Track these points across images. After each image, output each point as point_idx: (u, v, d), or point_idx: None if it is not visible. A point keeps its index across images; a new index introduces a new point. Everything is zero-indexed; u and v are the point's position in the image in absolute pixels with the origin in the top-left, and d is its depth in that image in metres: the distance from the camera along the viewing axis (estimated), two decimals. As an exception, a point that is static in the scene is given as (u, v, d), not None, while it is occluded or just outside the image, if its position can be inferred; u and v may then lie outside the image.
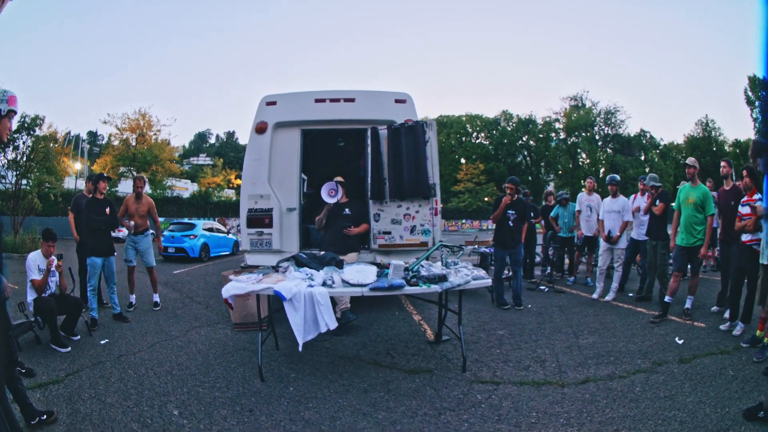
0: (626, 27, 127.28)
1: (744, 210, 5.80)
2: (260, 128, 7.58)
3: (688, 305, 6.88)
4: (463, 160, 66.44)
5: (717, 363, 4.92)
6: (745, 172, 5.89)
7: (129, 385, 4.40)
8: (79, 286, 7.23)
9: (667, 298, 6.83)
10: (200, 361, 5.16)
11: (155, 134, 41.30)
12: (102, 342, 5.83)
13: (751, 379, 4.44)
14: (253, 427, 3.63)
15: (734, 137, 59.25)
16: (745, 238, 5.69)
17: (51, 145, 31.88)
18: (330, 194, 6.72)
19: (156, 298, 8.14)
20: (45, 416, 3.53)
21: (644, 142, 65.23)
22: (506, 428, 3.68)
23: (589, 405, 4.05)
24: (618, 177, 9.03)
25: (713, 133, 62.27)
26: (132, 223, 7.79)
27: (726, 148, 58.70)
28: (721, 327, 6.14)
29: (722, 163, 6.98)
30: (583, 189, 10.03)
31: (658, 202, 7.50)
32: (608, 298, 8.30)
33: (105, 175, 7.23)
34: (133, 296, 7.94)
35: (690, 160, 7.04)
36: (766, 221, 4.89)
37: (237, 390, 4.35)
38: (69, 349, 5.43)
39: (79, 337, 5.91)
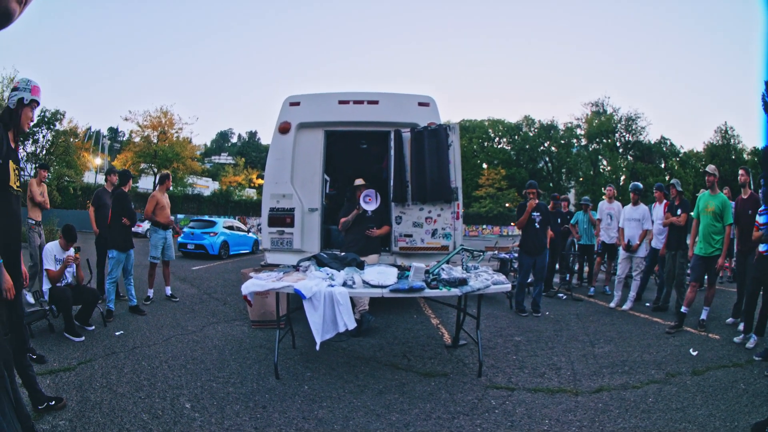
0: (647, 33, 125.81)
1: (761, 219, 5.73)
2: (284, 128, 7.66)
3: (703, 316, 6.81)
4: (484, 165, 66.06)
5: (729, 376, 4.88)
6: (763, 181, 5.82)
7: (142, 376, 4.42)
8: (96, 277, 7.38)
9: (683, 309, 6.75)
10: (215, 357, 5.17)
11: (177, 132, 42.01)
12: (117, 333, 5.87)
13: (761, 393, 4.40)
14: (265, 423, 3.61)
15: (753, 145, 57.91)
16: (763, 248, 5.58)
17: (71, 139, 32.54)
18: (367, 201, 6.70)
19: (169, 291, 8.31)
20: (54, 402, 3.55)
21: (664, 149, 64.04)
22: None
23: (602, 414, 4.05)
24: (641, 185, 8.96)
25: (732, 140, 60.93)
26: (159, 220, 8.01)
27: (744, 156, 57.36)
28: (735, 339, 6.07)
29: (740, 172, 6.87)
30: (603, 197, 9.90)
31: (680, 212, 7.44)
32: (625, 307, 8.25)
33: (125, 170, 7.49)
34: (151, 290, 8.03)
35: (710, 168, 6.90)
36: None
37: (251, 386, 4.35)
38: (83, 338, 5.48)
39: (93, 327, 5.97)
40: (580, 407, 4.20)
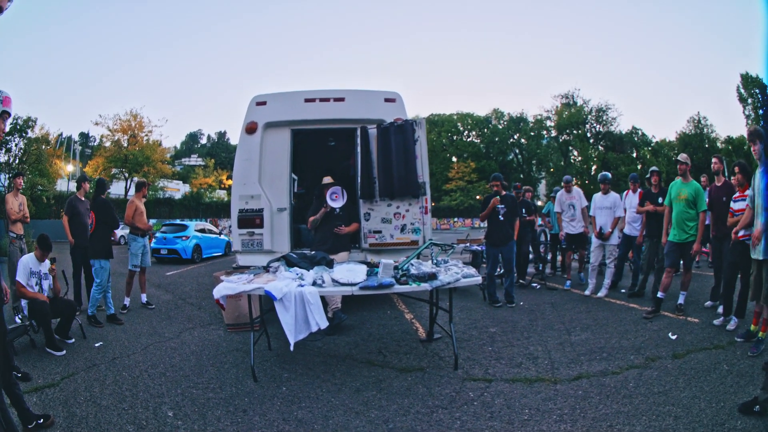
0: (617, 25, 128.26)
1: (736, 206, 5.81)
2: (250, 128, 7.65)
3: (681, 301, 6.91)
4: (454, 159, 66.60)
5: (711, 358, 4.93)
6: (737, 169, 5.93)
7: (124, 387, 4.42)
8: (72, 288, 7.26)
9: (659, 294, 6.85)
10: (194, 363, 5.19)
11: (147, 135, 42.14)
12: (96, 345, 5.82)
13: (746, 373, 4.45)
14: (246, 428, 3.64)
15: (727, 134, 59.75)
16: (739, 233, 5.67)
17: (43, 147, 31.99)
18: (333, 198, 6.78)
19: (144, 298, 8.27)
20: (42, 420, 3.53)
21: (636, 139, 65.43)
22: (499, 426, 3.67)
23: (582, 401, 4.05)
24: (609, 175, 9.00)
25: (705, 130, 62.67)
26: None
27: (718, 144, 59.10)
28: (715, 322, 6.14)
29: (713, 160, 7.06)
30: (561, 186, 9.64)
31: (661, 200, 7.53)
32: (600, 294, 8.33)
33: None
34: (128, 299, 8.01)
35: (681, 156, 7.06)
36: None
37: (230, 391, 4.38)
38: (64, 352, 5.41)
39: (73, 340, 5.90)
40: (559, 395, 4.20)
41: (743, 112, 51.35)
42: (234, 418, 3.79)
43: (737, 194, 5.91)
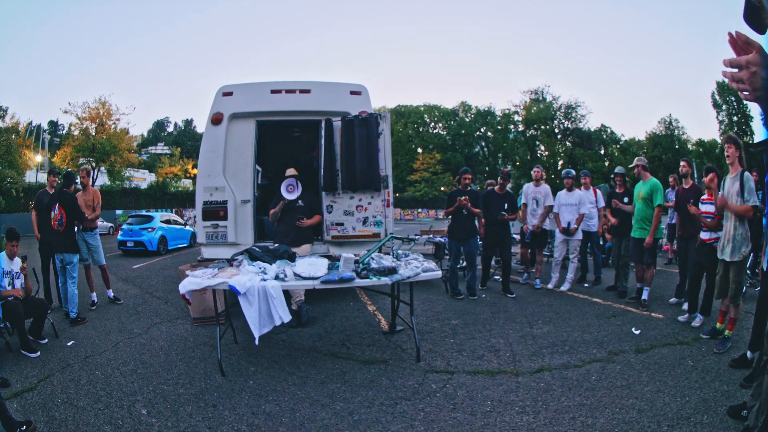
0: (591, 24, 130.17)
1: (704, 208, 5.98)
2: (216, 119, 7.69)
3: (645, 296, 7.12)
4: (419, 150, 66.91)
5: (675, 353, 5.06)
6: (705, 172, 6.10)
7: (98, 387, 4.45)
8: (42, 286, 7.12)
9: (638, 285, 7.37)
10: (163, 359, 5.25)
11: (114, 123, 41.20)
12: (69, 344, 5.80)
13: (711, 369, 4.56)
14: (217, 423, 3.72)
15: (698, 137, 62.03)
16: (705, 236, 5.89)
17: (12, 137, 30.86)
18: (289, 190, 6.81)
19: (110, 293, 8.11)
20: (24, 427, 3.53)
21: (605, 137, 67.07)
22: (461, 417, 3.71)
23: (545, 394, 4.11)
24: (573, 171, 9.16)
25: (677, 131, 64.85)
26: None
27: (689, 146, 61.23)
28: (680, 318, 6.31)
29: (682, 163, 7.26)
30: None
31: (626, 200, 7.86)
32: (563, 288, 8.47)
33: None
34: (94, 294, 7.88)
35: (636, 160, 7.47)
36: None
37: (200, 386, 4.46)
38: (39, 353, 5.38)
39: (46, 340, 5.88)
40: (521, 387, 4.27)
41: (717, 117, 54.34)
42: (205, 414, 3.88)
43: (705, 197, 6.07)
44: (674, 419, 3.56)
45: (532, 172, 9.53)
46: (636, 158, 7.53)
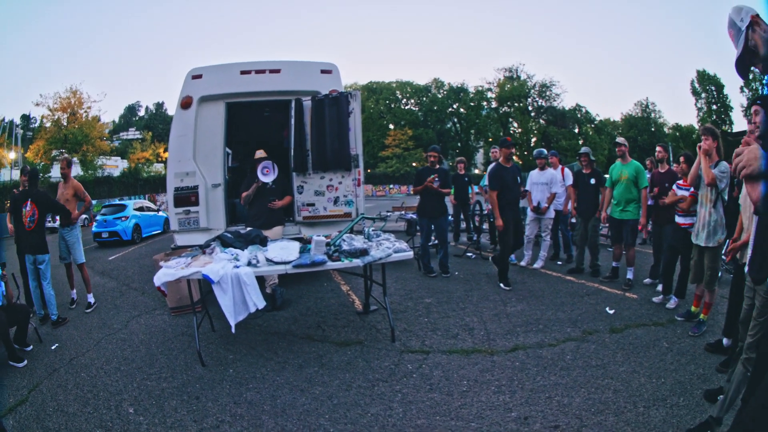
0: (571, 5, 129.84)
1: (679, 193, 6.07)
2: (186, 103, 7.63)
3: (629, 276, 7.24)
4: (391, 126, 66.65)
5: (650, 334, 5.15)
6: (682, 159, 6.23)
7: (85, 389, 4.43)
8: (23, 290, 6.90)
9: (614, 263, 7.50)
10: (144, 353, 5.27)
11: (86, 112, 40.34)
12: (53, 347, 5.72)
13: (687, 351, 4.66)
14: (202, 415, 3.78)
15: (675, 121, 63.31)
16: (680, 220, 5.99)
17: None
18: (264, 173, 6.77)
19: (90, 298, 7.57)
20: None
21: (579, 116, 67.66)
22: (438, 397, 3.75)
23: (520, 372, 4.18)
24: (545, 151, 9.22)
25: (653, 114, 66.03)
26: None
27: (665, 130, 62.42)
28: (654, 299, 6.42)
29: (658, 148, 7.38)
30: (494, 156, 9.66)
31: (593, 181, 7.94)
32: (537, 266, 8.58)
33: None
34: (74, 291, 7.64)
35: (619, 139, 7.56)
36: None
37: (182, 378, 4.49)
38: (25, 362, 5.23)
39: (31, 347, 5.69)
40: (497, 366, 4.33)
41: (695, 104, 56.74)
42: (189, 407, 3.92)
43: (681, 182, 6.16)
44: (650, 400, 3.64)
45: (490, 153, 9.63)
46: (619, 138, 7.61)
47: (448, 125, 70.09)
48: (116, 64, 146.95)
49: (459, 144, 65.75)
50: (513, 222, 7.32)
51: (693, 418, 3.40)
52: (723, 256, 5.48)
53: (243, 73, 7.65)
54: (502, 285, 7.22)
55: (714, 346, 4.64)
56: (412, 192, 8.50)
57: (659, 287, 6.70)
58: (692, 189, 5.66)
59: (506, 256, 7.43)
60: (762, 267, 2.90)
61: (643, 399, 3.66)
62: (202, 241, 5.62)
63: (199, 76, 7.61)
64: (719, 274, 5.54)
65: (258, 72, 7.67)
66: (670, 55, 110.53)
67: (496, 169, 7.42)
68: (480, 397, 3.73)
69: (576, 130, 66.85)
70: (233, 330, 4.55)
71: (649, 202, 7.15)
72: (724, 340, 4.60)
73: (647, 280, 7.41)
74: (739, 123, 50.12)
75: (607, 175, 7.61)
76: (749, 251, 3.25)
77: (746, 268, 3.25)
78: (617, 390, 3.81)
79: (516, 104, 66.34)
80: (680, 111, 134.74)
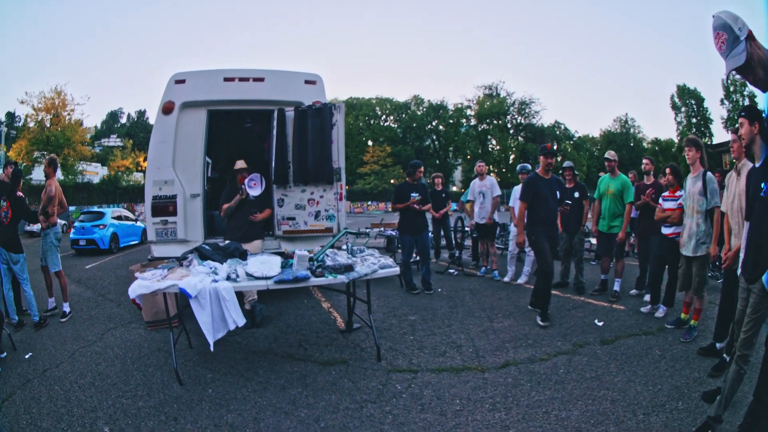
0: (549, 22, 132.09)
1: (666, 205, 6.13)
2: (167, 108, 7.49)
3: (616, 288, 7.33)
4: (370, 143, 66.91)
5: (642, 343, 5.16)
6: (668, 170, 6.28)
7: (59, 404, 4.25)
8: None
9: (603, 276, 7.59)
10: (119, 368, 5.07)
11: (69, 114, 40.13)
12: (26, 357, 5.53)
13: (680, 357, 4.68)
14: None
15: (654, 136, 64.67)
16: (667, 231, 6.08)
17: None
18: (252, 186, 6.63)
19: (66, 307, 7.29)
20: None
21: (558, 133, 68.74)
22: (432, 417, 3.64)
23: (513, 389, 4.09)
24: (529, 166, 9.22)
25: (632, 129, 67.59)
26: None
27: (644, 144, 63.74)
28: (642, 309, 6.48)
29: (644, 161, 7.48)
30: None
31: (577, 194, 7.98)
32: (520, 281, 8.55)
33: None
34: (52, 300, 7.31)
35: (609, 154, 7.69)
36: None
37: (159, 397, 4.29)
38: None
39: (5, 354, 5.51)
40: (489, 384, 4.23)
41: (675, 119, 57.30)
42: (167, 428, 3.73)
43: (667, 193, 6.23)
44: (649, 407, 3.61)
45: (475, 168, 9.68)
46: (609, 152, 7.77)
47: (427, 142, 70.59)
48: (101, 68, 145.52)
49: (437, 161, 66.17)
50: (549, 243, 6.32)
51: (693, 420, 3.40)
52: (717, 263, 5.55)
53: (227, 80, 7.55)
54: (539, 321, 6.05)
55: (707, 350, 4.69)
56: (391, 209, 8.42)
57: (646, 297, 6.77)
58: (679, 201, 5.75)
59: (548, 287, 6.19)
60: (755, 267, 3.12)
61: (642, 407, 3.63)
62: (180, 253, 5.48)
63: (183, 81, 7.48)
64: (707, 281, 5.59)
65: (242, 80, 7.59)
66: (649, 70, 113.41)
67: (532, 178, 6.57)
68: (475, 416, 3.62)
69: (555, 147, 67.91)
70: (212, 348, 4.39)
71: (634, 214, 7.23)
72: (717, 344, 4.64)
73: (633, 291, 7.48)
74: (719, 135, 51.23)
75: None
76: (741, 254, 3.40)
77: (739, 271, 3.40)
78: (614, 400, 3.76)
79: (495, 121, 67.16)
80: (659, 125, 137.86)
